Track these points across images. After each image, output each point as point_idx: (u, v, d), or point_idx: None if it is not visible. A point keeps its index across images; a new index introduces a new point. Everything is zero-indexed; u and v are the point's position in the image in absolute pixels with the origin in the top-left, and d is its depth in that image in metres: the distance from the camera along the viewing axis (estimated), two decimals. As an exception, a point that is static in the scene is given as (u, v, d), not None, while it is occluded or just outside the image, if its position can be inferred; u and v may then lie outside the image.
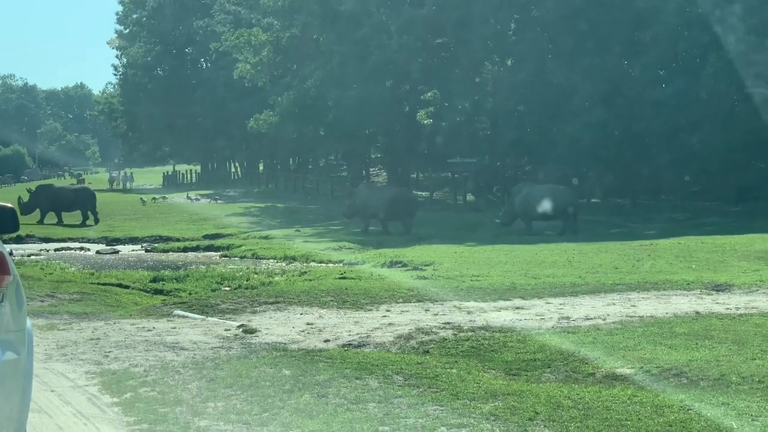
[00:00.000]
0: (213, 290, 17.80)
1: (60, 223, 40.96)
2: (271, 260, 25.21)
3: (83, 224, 40.29)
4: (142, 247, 31.35)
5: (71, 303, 15.40)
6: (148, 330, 11.63)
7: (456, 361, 9.44)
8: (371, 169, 63.85)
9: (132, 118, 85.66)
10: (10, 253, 5.94)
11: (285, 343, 10.53)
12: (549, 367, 9.19)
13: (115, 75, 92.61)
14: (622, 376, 8.68)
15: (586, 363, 9.22)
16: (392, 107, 49.78)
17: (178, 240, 32.40)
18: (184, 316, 12.96)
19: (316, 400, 7.72)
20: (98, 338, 11.07)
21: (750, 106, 36.42)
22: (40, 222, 40.41)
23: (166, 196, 62.39)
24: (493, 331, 11.02)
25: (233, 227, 36.62)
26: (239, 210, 47.77)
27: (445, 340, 10.65)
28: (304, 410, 7.40)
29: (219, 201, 58.18)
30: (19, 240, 31.04)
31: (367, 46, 46.90)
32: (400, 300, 14.09)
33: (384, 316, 12.52)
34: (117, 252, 29.62)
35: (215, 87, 72.43)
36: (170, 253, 29.11)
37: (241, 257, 26.63)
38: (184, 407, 7.61)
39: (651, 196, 43.97)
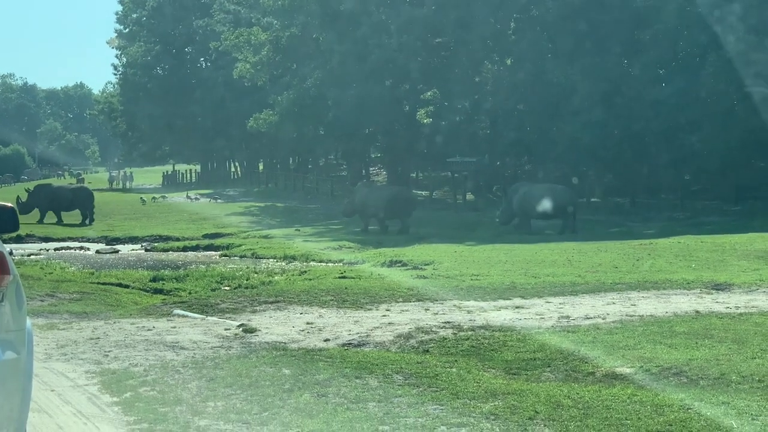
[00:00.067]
0: (213, 290, 17.80)
1: (60, 222, 40.98)
2: (271, 259, 25.22)
3: (83, 224, 40.33)
4: (141, 246, 31.36)
5: (71, 302, 15.40)
6: (148, 329, 11.63)
7: (456, 361, 9.44)
8: (371, 169, 63.86)
9: (132, 118, 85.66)
10: (10, 253, 5.94)
11: (285, 343, 10.53)
12: (549, 367, 9.19)
13: (115, 74, 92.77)
14: (621, 375, 8.68)
15: (585, 362, 9.23)
16: (392, 106, 49.78)
17: (177, 239, 32.42)
18: (184, 316, 12.97)
19: (316, 399, 7.72)
20: (98, 338, 11.07)
21: (749, 105, 36.43)
22: (40, 222, 40.43)
23: (166, 195, 62.42)
24: (493, 331, 11.02)
25: (233, 227, 36.63)
26: (239, 209, 47.79)
27: (445, 339, 10.65)
28: (304, 409, 7.40)
29: (219, 200, 58.20)
30: (19, 240, 31.05)
31: (367, 46, 46.91)
32: (400, 299, 14.09)
33: (384, 316, 12.52)
34: (117, 251, 29.63)
35: (215, 86, 72.42)
36: (170, 252, 29.13)
37: (241, 257, 26.62)
38: (184, 406, 7.61)
39: (651, 196, 43.96)
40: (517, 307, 13.06)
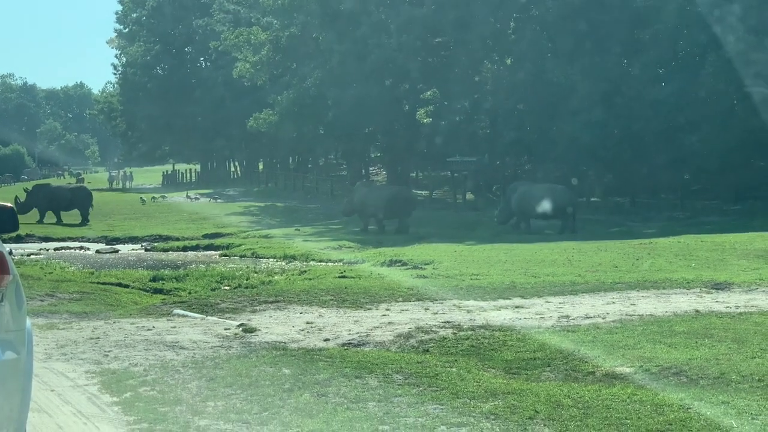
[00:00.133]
0: (213, 289, 17.80)
1: (59, 222, 40.97)
2: (271, 259, 25.22)
3: (82, 224, 40.32)
4: (141, 246, 31.36)
5: (71, 302, 15.40)
6: (148, 329, 11.63)
7: (456, 360, 9.44)
8: (371, 168, 63.87)
9: (131, 118, 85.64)
10: (10, 253, 5.94)
11: (285, 342, 10.53)
12: (549, 366, 9.19)
13: (115, 74, 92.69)
14: (621, 374, 8.69)
15: (585, 362, 9.23)
16: (392, 106, 49.80)
17: (177, 239, 32.42)
18: (183, 316, 12.97)
19: (316, 399, 7.72)
20: (98, 337, 11.07)
21: (749, 105, 36.44)
22: (40, 221, 40.42)
23: (166, 195, 62.41)
24: (492, 330, 11.02)
25: (233, 226, 36.64)
26: (239, 209, 47.79)
27: (445, 339, 10.66)
28: (303, 409, 7.40)
29: (218, 200, 58.20)
30: (19, 239, 31.04)
31: (367, 45, 46.92)
32: (400, 299, 14.09)
33: (384, 315, 12.52)
34: (117, 251, 29.63)
35: (215, 86, 72.41)
36: (170, 252, 29.13)
37: (241, 256, 26.62)
38: (184, 406, 7.61)
39: (650, 195, 43.98)
40: (516, 307, 13.06)
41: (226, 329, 11.58)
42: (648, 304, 12.96)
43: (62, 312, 14.17)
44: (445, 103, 51.12)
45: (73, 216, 41.70)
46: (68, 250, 29.83)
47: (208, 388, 8.22)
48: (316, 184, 59.44)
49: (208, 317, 12.76)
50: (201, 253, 28.49)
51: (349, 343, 10.52)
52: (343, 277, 17.92)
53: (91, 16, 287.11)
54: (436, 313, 12.54)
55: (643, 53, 42.23)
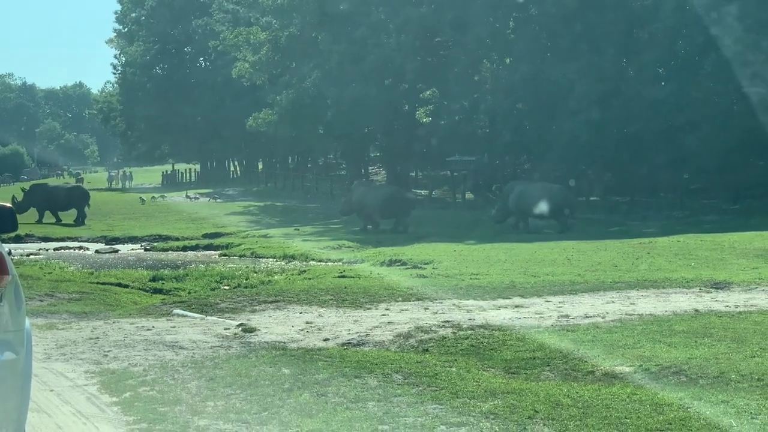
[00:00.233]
0: (212, 289, 17.79)
1: (58, 222, 40.93)
2: (271, 259, 25.20)
3: (80, 224, 40.29)
4: (141, 246, 31.33)
5: (70, 302, 15.39)
6: (148, 329, 11.63)
7: (455, 360, 9.44)
8: (370, 168, 63.86)
9: (131, 117, 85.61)
10: (9, 253, 5.94)
11: (284, 342, 10.53)
12: (548, 366, 9.19)
13: (114, 74, 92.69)
14: (621, 374, 8.69)
15: (585, 361, 9.23)
16: (391, 106, 49.80)
17: (177, 239, 32.39)
18: (183, 315, 12.96)
19: (316, 398, 7.72)
20: (97, 337, 11.07)
21: (747, 105, 36.46)
22: (39, 221, 40.38)
23: (165, 195, 62.38)
24: (492, 330, 11.02)
25: (232, 226, 36.63)
26: (238, 209, 47.79)
27: (445, 338, 10.65)
28: (303, 409, 7.40)
29: (218, 200, 58.19)
30: (18, 239, 31.00)
31: (366, 45, 46.92)
32: (400, 298, 14.09)
33: (383, 315, 12.52)
34: (116, 251, 29.61)
35: (214, 86, 72.42)
36: (169, 252, 29.10)
37: (241, 256, 26.60)
38: (184, 406, 7.61)
39: (649, 195, 43.96)
40: (516, 306, 13.06)
41: (225, 329, 11.57)
42: (647, 304, 12.96)
43: (61, 312, 14.16)
44: (444, 102, 51.13)
45: (72, 216, 41.67)
46: (67, 250, 29.80)
47: (207, 387, 8.22)
48: (315, 184, 59.43)
49: (208, 317, 12.76)
50: (200, 253, 28.47)
51: (349, 343, 10.52)
52: (343, 276, 17.91)
53: (90, 16, 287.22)
54: (436, 313, 12.54)
55: (642, 53, 42.25)
